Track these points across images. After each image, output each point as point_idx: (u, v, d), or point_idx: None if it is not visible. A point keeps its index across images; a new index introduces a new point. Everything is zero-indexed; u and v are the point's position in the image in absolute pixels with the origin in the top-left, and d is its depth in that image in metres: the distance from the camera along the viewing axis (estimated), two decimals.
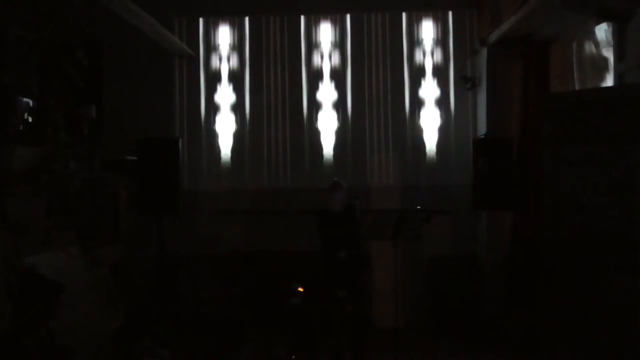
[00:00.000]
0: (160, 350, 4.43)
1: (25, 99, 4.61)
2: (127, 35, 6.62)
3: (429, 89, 7.50)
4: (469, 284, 6.98)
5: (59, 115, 4.72)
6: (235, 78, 7.60)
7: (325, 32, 7.54)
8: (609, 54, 5.28)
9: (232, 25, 7.60)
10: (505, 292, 6.53)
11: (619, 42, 4.98)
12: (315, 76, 7.54)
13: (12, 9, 4.29)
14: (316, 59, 7.54)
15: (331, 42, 7.54)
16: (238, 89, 7.60)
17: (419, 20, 7.51)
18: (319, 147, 7.53)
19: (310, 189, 7.43)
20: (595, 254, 4.50)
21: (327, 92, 7.54)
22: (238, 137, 7.58)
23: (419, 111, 7.50)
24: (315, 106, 7.55)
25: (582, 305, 4.56)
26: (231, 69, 7.61)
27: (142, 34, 6.45)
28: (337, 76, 7.54)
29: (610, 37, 5.23)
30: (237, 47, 7.59)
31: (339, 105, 7.53)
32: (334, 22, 7.55)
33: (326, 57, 7.56)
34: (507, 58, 6.74)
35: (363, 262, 5.56)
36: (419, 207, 5.89)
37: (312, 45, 7.54)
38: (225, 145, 7.57)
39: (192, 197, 7.27)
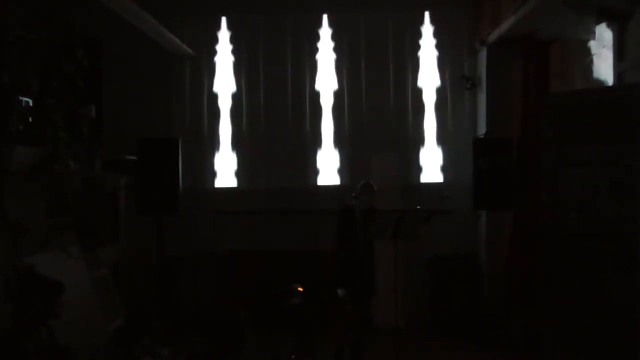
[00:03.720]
0: (160, 350, 4.42)
1: (25, 99, 4.59)
2: (127, 35, 6.62)
3: (429, 89, 7.50)
4: (469, 284, 6.98)
5: (59, 115, 4.71)
6: (235, 78, 7.60)
7: (326, 32, 7.54)
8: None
9: (233, 25, 7.60)
10: (505, 292, 6.53)
11: (619, 42, 4.98)
12: (316, 76, 7.54)
13: (12, 9, 4.28)
14: (316, 59, 7.54)
15: (332, 41, 7.54)
16: (238, 88, 7.60)
17: (419, 20, 7.51)
18: (319, 147, 7.53)
19: (310, 189, 7.45)
20: (595, 254, 4.50)
21: (327, 92, 7.54)
22: (238, 137, 7.59)
23: (419, 111, 7.50)
24: (315, 106, 7.55)
25: (582, 305, 4.56)
26: (231, 68, 7.61)
27: (142, 34, 6.46)
28: (337, 76, 7.54)
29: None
30: (237, 46, 7.60)
31: (339, 105, 7.54)
32: (334, 22, 7.55)
33: (327, 56, 7.56)
34: (507, 58, 6.75)
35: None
36: (419, 207, 5.89)
37: (313, 44, 7.54)
38: (226, 145, 7.57)
39: (192, 197, 7.27)
